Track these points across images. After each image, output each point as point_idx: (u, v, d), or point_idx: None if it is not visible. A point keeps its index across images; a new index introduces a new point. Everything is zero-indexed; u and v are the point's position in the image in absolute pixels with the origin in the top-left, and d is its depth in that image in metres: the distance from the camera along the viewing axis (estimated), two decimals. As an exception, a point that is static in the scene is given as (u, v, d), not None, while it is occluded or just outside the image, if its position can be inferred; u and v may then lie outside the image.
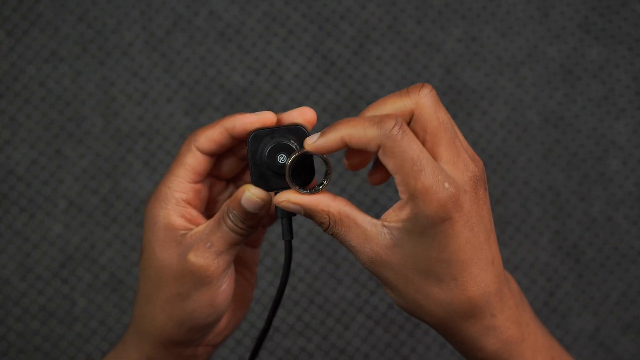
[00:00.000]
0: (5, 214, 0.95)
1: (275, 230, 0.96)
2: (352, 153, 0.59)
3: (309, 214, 0.55)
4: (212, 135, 0.58)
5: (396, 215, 0.53)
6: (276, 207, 0.57)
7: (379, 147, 0.53)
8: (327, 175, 0.57)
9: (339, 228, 0.55)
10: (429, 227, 0.52)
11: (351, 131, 0.54)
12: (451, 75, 0.99)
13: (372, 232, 0.54)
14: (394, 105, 0.54)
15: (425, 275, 0.54)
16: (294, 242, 0.94)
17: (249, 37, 0.99)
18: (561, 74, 1.00)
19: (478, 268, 0.54)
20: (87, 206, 0.96)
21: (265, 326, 0.60)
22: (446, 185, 0.52)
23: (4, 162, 0.96)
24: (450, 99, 0.99)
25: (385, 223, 0.53)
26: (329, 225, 0.55)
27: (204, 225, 0.58)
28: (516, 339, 0.56)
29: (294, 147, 0.56)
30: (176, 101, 0.98)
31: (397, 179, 0.53)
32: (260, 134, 0.57)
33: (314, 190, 0.56)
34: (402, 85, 0.99)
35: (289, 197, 0.55)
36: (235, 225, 0.57)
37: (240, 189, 0.57)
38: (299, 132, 0.57)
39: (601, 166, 0.99)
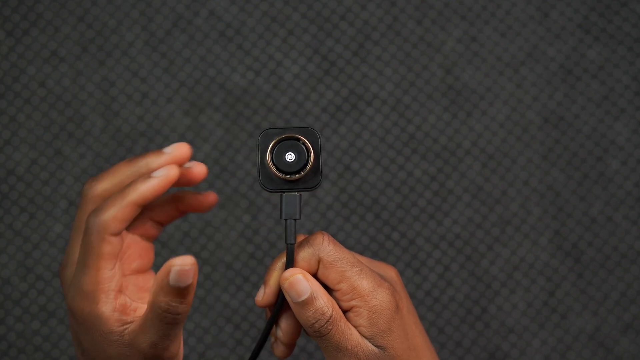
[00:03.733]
0: (5, 214, 0.95)
1: (275, 231, 0.96)
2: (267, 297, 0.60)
3: (311, 299, 0.55)
4: (121, 216, 0.55)
5: (360, 326, 0.55)
6: (281, 208, 0.57)
7: (318, 263, 0.55)
8: (307, 162, 0.57)
9: (337, 326, 0.56)
10: (390, 320, 0.55)
11: (301, 262, 0.57)
12: (451, 75, 0.99)
13: (362, 342, 0.56)
14: (302, 255, 0.57)
15: None
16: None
17: (249, 37, 0.99)
18: (561, 74, 1.00)
19: (429, 351, 0.58)
20: (87, 206, 0.96)
21: (266, 328, 0.60)
22: (381, 279, 0.56)
23: (4, 162, 0.96)
24: (450, 99, 0.99)
25: (365, 333, 0.56)
26: (329, 318, 0.55)
27: (138, 324, 0.55)
28: None
29: (303, 146, 0.56)
30: (176, 101, 0.98)
31: (342, 287, 0.55)
32: (271, 133, 0.57)
33: (295, 175, 0.56)
34: (402, 85, 0.99)
35: (295, 272, 0.56)
36: (175, 310, 0.54)
37: (162, 271, 0.54)
38: (310, 133, 0.57)
39: (601, 166, 0.99)
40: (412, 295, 0.97)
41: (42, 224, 0.95)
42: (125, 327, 0.56)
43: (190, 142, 0.98)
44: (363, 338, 0.55)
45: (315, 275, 0.56)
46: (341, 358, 0.55)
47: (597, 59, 1.00)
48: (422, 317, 0.96)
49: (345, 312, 0.55)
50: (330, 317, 0.55)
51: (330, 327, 0.55)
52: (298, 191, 0.56)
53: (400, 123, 0.99)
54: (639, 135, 1.00)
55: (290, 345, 0.59)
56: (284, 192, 0.56)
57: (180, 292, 0.54)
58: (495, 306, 0.96)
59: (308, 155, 0.56)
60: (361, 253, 0.97)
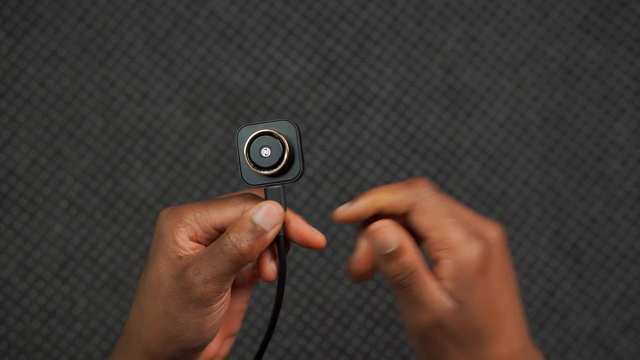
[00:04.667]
0: (5, 214, 0.95)
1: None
2: (359, 261, 0.59)
3: (396, 252, 0.54)
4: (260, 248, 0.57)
5: (443, 279, 0.54)
6: (266, 191, 0.57)
7: (409, 207, 0.54)
8: (282, 157, 0.57)
9: (415, 280, 0.54)
10: (474, 277, 0.53)
11: (382, 196, 0.55)
12: (451, 76, 0.99)
13: (439, 298, 0.54)
14: (393, 196, 0.55)
15: (481, 333, 0.54)
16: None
17: (249, 37, 0.99)
18: (561, 74, 1.00)
19: (513, 322, 0.55)
20: (87, 206, 0.96)
21: (270, 325, 0.60)
22: (478, 235, 0.53)
23: (4, 162, 0.96)
24: (450, 99, 0.99)
25: (446, 284, 0.54)
26: (411, 273, 0.54)
27: (199, 251, 0.57)
28: None
29: (278, 139, 0.56)
30: (176, 101, 0.98)
31: (433, 236, 0.53)
32: (247, 129, 0.57)
33: (272, 170, 0.56)
34: (402, 85, 0.99)
35: (384, 224, 0.55)
36: (235, 247, 0.55)
37: (254, 207, 0.56)
38: (284, 125, 0.57)
39: (601, 166, 0.99)
40: (412, 295, 0.97)
41: (42, 224, 0.95)
42: (185, 253, 0.57)
43: (190, 142, 0.98)
44: (443, 292, 0.53)
45: (406, 222, 0.56)
46: (417, 311, 0.54)
47: (597, 59, 1.00)
48: (422, 317, 0.96)
49: (432, 262, 0.55)
50: (413, 272, 0.54)
51: (411, 280, 0.54)
52: (280, 184, 0.56)
53: (400, 123, 0.99)
54: (639, 135, 1.00)
55: (365, 275, 0.59)
56: (267, 185, 0.56)
57: (256, 230, 0.55)
58: (495, 306, 0.96)
59: (283, 149, 0.56)
60: (361, 253, 0.97)
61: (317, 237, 0.58)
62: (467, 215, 0.56)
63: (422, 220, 0.53)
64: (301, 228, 0.58)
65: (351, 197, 0.97)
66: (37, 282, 0.95)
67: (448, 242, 0.53)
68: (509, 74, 1.00)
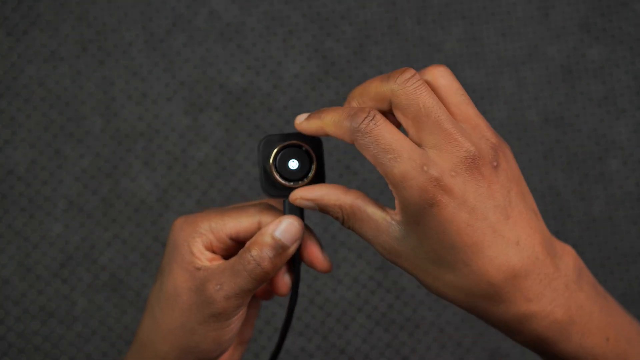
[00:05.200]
0: (5, 214, 0.95)
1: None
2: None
3: (322, 209, 0.54)
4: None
5: (395, 207, 0.53)
6: (285, 213, 0.57)
7: (353, 141, 0.52)
8: (311, 166, 0.56)
9: (354, 222, 0.54)
10: (419, 214, 0.51)
11: (329, 122, 0.53)
12: (451, 75, 0.99)
13: (383, 224, 0.53)
14: (376, 90, 0.53)
15: (437, 264, 0.52)
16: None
17: (249, 37, 0.99)
18: (561, 74, 1.00)
19: (496, 251, 0.51)
20: (87, 206, 0.96)
21: (286, 322, 0.60)
22: (425, 168, 0.50)
23: (4, 162, 0.96)
24: (451, 99, 0.99)
25: (392, 215, 0.53)
26: (343, 219, 0.54)
27: (219, 264, 0.56)
28: (562, 322, 0.52)
29: (306, 152, 0.56)
30: (176, 101, 0.98)
31: (379, 170, 0.52)
32: (272, 140, 0.56)
33: (299, 182, 0.56)
34: (402, 85, 0.99)
35: (302, 194, 0.55)
36: (258, 265, 0.55)
37: (275, 222, 0.55)
38: (311, 139, 0.56)
39: (601, 166, 0.99)
40: (412, 295, 0.97)
41: (42, 224, 0.95)
42: (202, 265, 0.56)
43: (190, 142, 0.98)
44: (389, 224, 0.52)
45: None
46: (376, 237, 0.53)
47: (598, 58, 1.00)
48: (422, 317, 0.96)
49: None
50: (343, 219, 0.54)
51: (348, 225, 0.54)
52: None
53: (400, 123, 0.99)
54: (639, 135, 0.99)
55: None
56: (286, 197, 0.56)
57: (277, 247, 0.55)
58: (495, 306, 0.96)
59: (311, 162, 0.56)
60: (360, 255, 0.97)
61: (325, 262, 0.58)
62: (429, 136, 0.51)
63: (366, 156, 0.52)
64: (314, 251, 0.58)
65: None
66: (36, 282, 0.95)
67: (389, 180, 0.51)
68: (510, 74, 1.00)
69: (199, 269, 0.56)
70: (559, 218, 0.98)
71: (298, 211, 0.56)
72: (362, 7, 1.00)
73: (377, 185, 0.97)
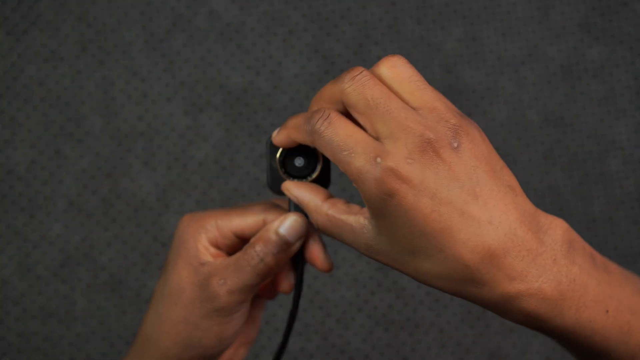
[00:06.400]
0: (5, 214, 0.95)
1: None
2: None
3: (305, 208, 0.55)
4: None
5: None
6: (290, 201, 0.57)
7: (313, 143, 0.53)
8: (317, 166, 0.57)
9: (331, 230, 0.54)
10: (382, 207, 0.50)
11: (292, 128, 0.54)
12: (451, 75, 0.99)
13: (357, 227, 0.53)
14: (329, 92, 0.53)
15: (413, 254, 0.51)
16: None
17: (249, 37, 0.99)
18: (561, 74, 1.00)
19: (467, 233, 0.49)
20: (87, 206, 0.96)
21: (285, 335, 0.60)
22: (378, 160, 0.50)
23: (4, 162, 0.96)
24: (451, 99, 0.99)
25: (364, 214, 0.53)
26: (317, 225, 0.55)
27: (223, 259, 0.57)
28: (553, 299, 0.51)
29: (313, 151, 0.56)
30: (176, 101, 0.98)
31: (340, 169, 0.53)
32: None
33: (304, 179, 0.56)
34: (402, 85, 0.99)
35: (290, 187, 0.55)
36: (262, 260, 0.56)
37: (279, 219, 0.56)
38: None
39: (601, 166, 0.99)
40: (412, 295, 0.97)
41: (42, 224, 0.95)
42: (207, 261, 0.57)
43: (190, 142, 0.98)
44: (362, 224, 0.52)
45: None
46: (354, 240, 0.53)
47: (598, 58, 1.00)
48: (422, 317, 0.96)
49: None
50: (318, 226, 0.55)
51: (323, 232, 0.55)
52: None
53: (400, 123, 0.99)
54: (639, 135, 0.99)
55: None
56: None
57: (282, 243, 0.56)
58: (495, 306, 0.96)
59: (317, 160, 0.56)
60: (360, 255, 0.97)
61: (326, 262, 0.59)
62: (382, 127, 0.51)
63: (327, 155, 0.52)
64: (316, 249, 0.59)
65: (351, 198, 0.97)
66: (36, 282, 0.95)
67: (349, 177, 0.51)
68: (510, 74, 1.00)
69: (203, 264, 0.57)
70: (560, 218, 0.98)
71: (303, 209, 0.57)
72: (362, 7, 1.00)
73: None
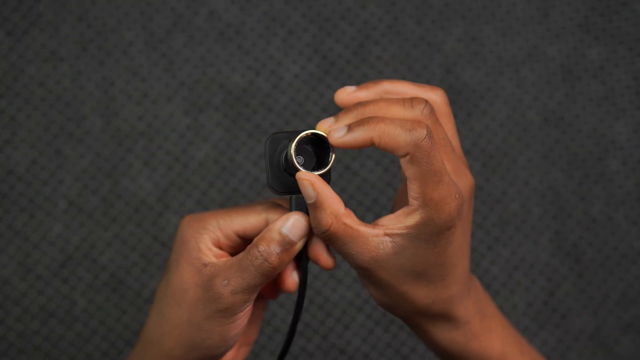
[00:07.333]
0: (5, 214, 0.95)
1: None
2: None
3: (318, 206, 0.54)
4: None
5: (400, 222, 0.54)
6: (291, 210, 0.57)
7: (407, 154, 0.53)
8: (329, 158, 0.56)
9: (339, 237, 0.55)
10: (435, 234, 0.53)
11: (382, 133, 0.53)
12: (451, 75, 0.99)
13: (374, 241, 0.54)
14: (397, 114, 0.54)
15: (417, 276, 0.55)
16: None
17: (249, 37, 0.99)
18: (561, 74, 1.00)
19: (462, 268, 0.56)
20: (87, 206, 0.96)
21: (289, 335, 0.60)
22: (457, 196, 0.53)
23: (4, 162, 0.96)
24: (451, 99, 0.99)
25: (388, 231, 0.54)
26: (328, 229, 0.55)
27: (226, 260, 0.57)
28: (483, 329, 0.58)
29: (324, 145, 0.56)
30: (176, 101, 0.98)
31: (415, 186, 0.53)
32: (278, 137, 0.57)
33: (317, 171, 0.56)
34: (402, 85, 0.99)
35: (313, 180, 0.54)
36: (266, 260, 0.55)
37: (282, 218, 0.56)
38: (317, 136, 0.56)
39: (601, 166, 0.99)
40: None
41: (42, 224, 0.95)
42: (209, 262, 0.57)
43: (190, 142, 0.98)
44: (381, 240, 0.54)
45: None
46: (361, 252, 0.55)
47: (598, 58, 1.00)
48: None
49: None
50: (328, 229, 0.54)
51: (328, 236, 0.55)
52: None
53: (400, 123, 0.99)
54: (639, 135, 1.00)
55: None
56: (293, 194, 0.56)
57: (285, 242, 0.55)
58: (495, 306, 0.96)
59: (329, 154, 0.55)
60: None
61: (329, 260, 0.59)
62: (449, 165, 0.55)
63: (409, 169, 0.54)
64: (318, 247, 0.59)
65: (351, 197, 0.97)
66: (36, 282, 0.95)
67: (424, 200, 0.53)
68: (510, 74, 1.00)
69: (206, 265, 0.57)
70: (559, 218, 0.98)
71: (304, 208, 0.56)
72: (362, 7, 1.00)
73: (377, 185, 0.97)
